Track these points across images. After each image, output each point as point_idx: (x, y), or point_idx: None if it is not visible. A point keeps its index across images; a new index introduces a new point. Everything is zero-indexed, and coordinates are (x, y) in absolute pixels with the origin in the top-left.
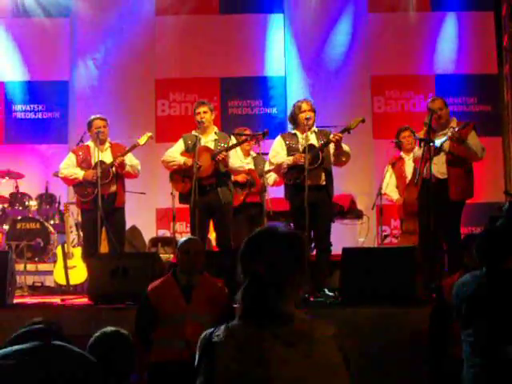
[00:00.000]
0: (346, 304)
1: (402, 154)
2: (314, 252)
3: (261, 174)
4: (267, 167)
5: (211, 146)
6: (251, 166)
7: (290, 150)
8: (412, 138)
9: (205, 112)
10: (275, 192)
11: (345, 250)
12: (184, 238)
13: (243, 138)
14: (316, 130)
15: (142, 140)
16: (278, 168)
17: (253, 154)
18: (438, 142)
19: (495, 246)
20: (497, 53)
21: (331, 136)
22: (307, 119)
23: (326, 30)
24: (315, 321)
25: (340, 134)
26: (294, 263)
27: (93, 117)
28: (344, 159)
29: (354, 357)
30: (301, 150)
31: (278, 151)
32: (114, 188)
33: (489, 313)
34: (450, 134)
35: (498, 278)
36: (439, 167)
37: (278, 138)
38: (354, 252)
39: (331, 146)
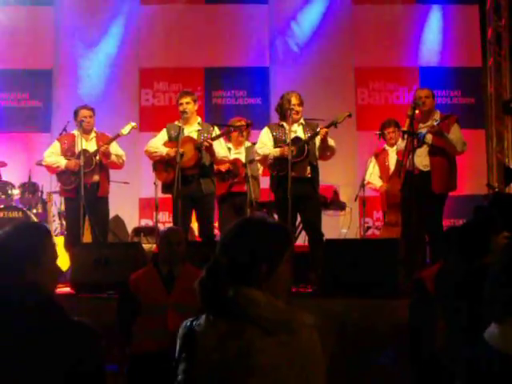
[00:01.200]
0: (327, 295)
1: (385, 146)
2: (307, 243)
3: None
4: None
5: (194, 136)
6: (241, 156)
7: (277, 142)
8: (396, 134)
9: (187, 103)
10: (262, 182)
11: (327, 241)
12: (165, 228)
13: (226, 129)
14: (303, 122)
15: (126, 130)
16: (264, 159)
17: (247, 143)
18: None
19: (470, 242)
20: (481, 46)
21: (318, 130)
22: (294, 112)
23: (309, 21)
24: (295, 310)
25: (326, 129)
26: (258, 253)
27: (79, 106)
28: (329, 153)
29: (334, 348)
30: (287, 141)
31: (264, 142)
32: (96, 177)
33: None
34: (430, 126)
35: (475, 274)
36: (422, 159)
37: (265, 129)
38: (336, 243)
39: (317, 140)
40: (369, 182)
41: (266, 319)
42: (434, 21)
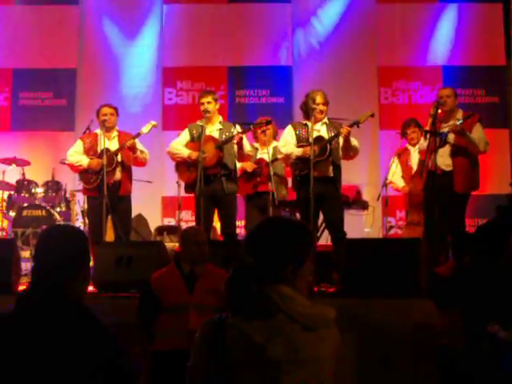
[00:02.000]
0: (349, 295)
1: (407, 145)
2: (330, 242)
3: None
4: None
5: (216, 135)
6: (266, 156)
7: (300, 140)
8: (417, 133)
9: (209, 102)
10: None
11: (349, 240)
12: (189, 228)
13: (247, 127)
14: (327, 121)
15: (146, 128)
16: (286, 158)
17: (275, 143)
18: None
19: (489, 241)
20: (505, 44)
21: (341, 129)
22: (318, 112)
23: (333, 20)
24: (322, 306)
25: (349, 128)
26: (284, 253)
27: (101, 104)
28: (352, 154)
29: (356, 348)
30: (310, 140)
31: (287, 141)
32: (118, 176)
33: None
34: (452, 126)
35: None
36: (444, 159)
37: (289, 128)
38: (358, 243)
39: (341, 139)
40: (391, 182)
41: (302, 314)
42: (458, 19)
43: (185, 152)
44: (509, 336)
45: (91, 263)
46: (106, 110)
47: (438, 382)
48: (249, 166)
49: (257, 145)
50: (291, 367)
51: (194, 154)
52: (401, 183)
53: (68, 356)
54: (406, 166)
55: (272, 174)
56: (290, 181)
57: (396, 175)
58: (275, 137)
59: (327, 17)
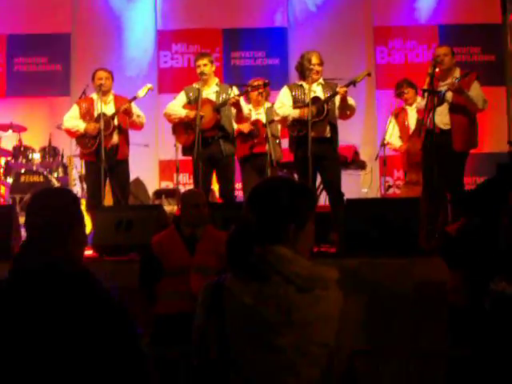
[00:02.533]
0: (349, 255)
1: (404, 105)
2: (327, 202)
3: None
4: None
5: (213, 97)
6: (261, 117)
7: (296, 101)
8: (412, 93)
9: (205, 64)
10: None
11: (348, 201)
12: (188, 191)
13: (244, 89)
14: (322, 82)
15: (142, 92)
16: (283, 120)
17: (268, 104)
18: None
19: (489, 200)
20: (500, 2)
21: (337, 89)
22: (314, 72)
23: None
24: (322, 266)
25: (345, 88)
26: (286, 213)
27: (96, 68)
28: (349, 113)
29: (357, 308)
30: (307, 101)
31: (283, 102)
32: (115, 140)
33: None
34: (450, 84)
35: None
36: (442, 118)
37: (284, 89)
38: (357, 203)
39: (337, 99)
40: (388, 143)
41: (299, 275)
42: None
43: (182, 112)
44: None
45: (90, 228)
46: (101, 73)
47: (442, 339)
48: (245, 127)
49: (249, 106)
50: (285, 329)
51: (192, 114)
52: (398, 143)
53: (64, 320)
54: (403, 126)
55: (270, 135)
56: (283, 142)
57: (393, 135)
58: (267, 98)
59: None
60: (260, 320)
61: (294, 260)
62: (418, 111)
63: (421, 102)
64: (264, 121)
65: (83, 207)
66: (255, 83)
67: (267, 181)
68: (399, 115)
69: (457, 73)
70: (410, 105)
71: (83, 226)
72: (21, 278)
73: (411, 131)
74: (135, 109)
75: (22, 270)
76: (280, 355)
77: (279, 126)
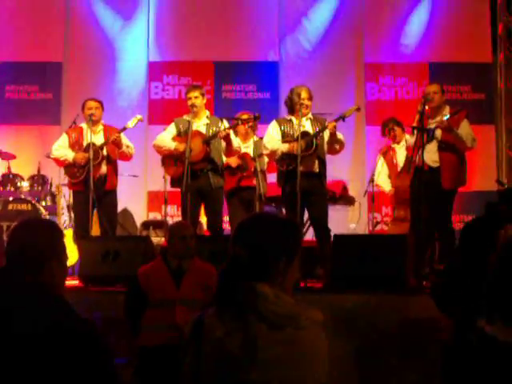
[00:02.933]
0: (335, 291)
1: (391, 143)
2: (314, 238)
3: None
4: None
5: (203, 130)
6: (249, 151)
7: (285, 136)
8: (399, 131)
9: (196, 97)
10: (269, 177)
11: (336, 236)
12: (176, 223)
13: (234, 122)
14: (311, 116)
15: (132, 123)
16: (272, 154)
17: (255, 138)
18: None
19: (476, 239)
20: (491, 41)
21: (327, 124)
22: (304, 106)
23: (320, 15)
24: (304, 306)
25: (334, 123)
26: (278, 248)
27: (87, 98)
28: (338, 147)
29: (343, 344)
30: (296, 136)
31: (272, 136)
32: (103, 170)
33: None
34: (439, 122)
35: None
36: (431, 155)
37: (273, 123)
38: (344, 239)
39: (326, 134)
40: (377, 185)
41: (273, 313)
42: (444, 15)
43: (171, 144)
44: (494, 330)
45: (77, 257)
46: (91, 103)
47: (430, 376)
48: (233, 162)
49: (237, 139)
50: (251, 366)
51: (181, 147)
52: (387, 187)
53: (47, 354)
54: (391, 165)
55: (259, 169)
56: (271, 176)
57: (382, 176)
58: (255, 131)
59: (315, 14)
60: (227, 354)
61: (274, 299)
62: (407, 148)
63: (410, 139)
64: (252, 154)
65: (70, 237)
66: (243, 116)
67: (255, 216)
68: (387, 153)
69: (446, 110)
70: (398, 143)
71: (62, 258)
72: None
73: (400, 169)
74: (124, 139)
75: None
76: None
77: (266, 160)
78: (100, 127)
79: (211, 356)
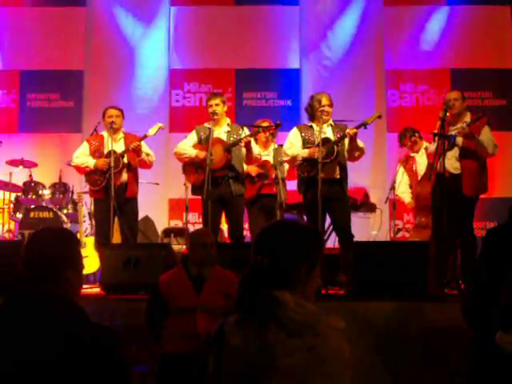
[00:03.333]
0: (357, 298)
1: (410, 153)
2: (336, 245)
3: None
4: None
5: (224, 137)
6: (269, 158)
7: (306, 143)
8: (416, 139)
9: (217, 104)
10: (288, 185)
11: (357, 243)
12: (197, 230)
13: (255, 129)
14: (332, 123)
15: (153, 130)
16: (292, 160)
17: (275, 145)
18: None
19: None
20: None
21: (347, 131)
22: (325, 113)
23: (341, 23)
24: (324, 313)
25: (355, 129)
26: (300, 255)
27: (108, 106)
28: (357, 155)
29: (365, 351)
30: (316, 142)
31: (293, 143)
32: (124, 178)
33: None
34: (461, 129)
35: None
36: (453, 162)
37: (294, 130)
38: (365, 246)
39: (346, 141)
40: (397, 195)
41: (292, 320)
42: (466, 22)
43: (192, 152)
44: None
45: (98, 265)
46: (112, 111)
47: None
48: (253, 170)
49: (257, 146)
50: (269, 373)
51: (202, 154)
52: (407, 198)
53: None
54: (412, 173)
55: (280, 176)
56: (291, 183)
57: (403, 186)
58: (274, 139)
59: (335, 19)
60: (246, 362)
61: (294, 306)
62: (428, 155)
63: (431, 146)
64: (272, 162)
65: (91, 245)
66: (264, 124)
67: (276, 223)
68: (407, 162)
69: (467, 117)
70: (417, 152)
71: (78, 267)
72: (8, 310)
73: (420, 177)
74: (145, 147)
75: (10, 299)
76: None
77: (286, 168)
78: (121, 135)
79: (231, 364)
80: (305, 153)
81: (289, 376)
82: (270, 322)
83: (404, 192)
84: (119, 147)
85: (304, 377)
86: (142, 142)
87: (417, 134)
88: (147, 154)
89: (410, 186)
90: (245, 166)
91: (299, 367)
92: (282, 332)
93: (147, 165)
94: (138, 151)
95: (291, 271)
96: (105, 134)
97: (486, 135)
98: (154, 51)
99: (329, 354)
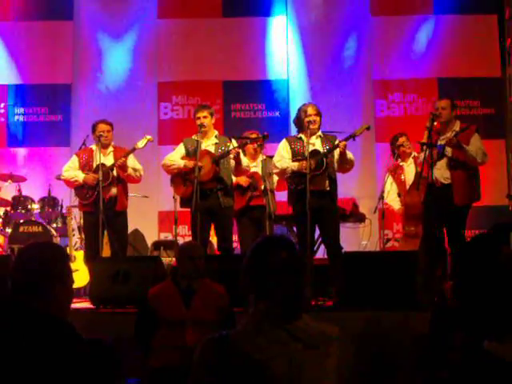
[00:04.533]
0: (346, 308)
1: (399, 161)
2: (326, 255)
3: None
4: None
5: (212, 149)
6: (257, 170)
7: (295, 154)
8: (409, 143)
9: (205, 117)
10: (278, 196)
11: (346, 254)
12: (185, 243)
13: (243, 141)
14: (321, 134)
15: (141, 143)
16: (282, 173)
17: (263, 156)
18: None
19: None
20: (500, 56)
21: (337, 143)
22: (311, 123)
23: (328, 33)
24: (322, 323)
25: (344, 142)
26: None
27: (98, 120)
28: (348, 167)
29: (354, 360)
30: (306, 154)
31: (282, 155)
32: (114, 192)
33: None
34: (448, 140)
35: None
36: (442, 172)
37: (283, 142)
38: (355, 256)
39: (336, 152)
40: (386, 204)
41: (305, 331)
42: (453, 31)
43: (181, 162)
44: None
45: (87, 279)
46: (102, 126)
47: None
48: (243, 181)
49: (245, 158)
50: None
51: (191, 164)
52: (396, 205)
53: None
54: (400, 182)
55: (268, 188)
56: (281, 195)
57: (391, 194)
58: (262, 150)
59: (322, 30)
60: (271, 376)
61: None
62: (418, 164)
63: (420, 155)
64: (260, 173)
65: (80, 259)
66: (252, 135)
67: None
68: (396, 171)
69: (457, 126)
70: (405, 159)
71: (66, 281)
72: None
73: (408, 186)
74: (132, 162)
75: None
76: None
77: (275, 179)
78: (110, 149)
79: (247, 378)
80: (294, 166)
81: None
82: (282, 333)
83: (393, 200)
84: (109, 161)
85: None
86: (131, 156)
87: (401, 139)
88: (134, 170)
89: (399, 195)
90: (234, 178)
91: (319, 376)
92: (299, 344)
93: (135, 180)
94: (123, 167)
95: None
96: (94, 147)
97: (475, 144)
98: (142, 64)
99: (335, 360)
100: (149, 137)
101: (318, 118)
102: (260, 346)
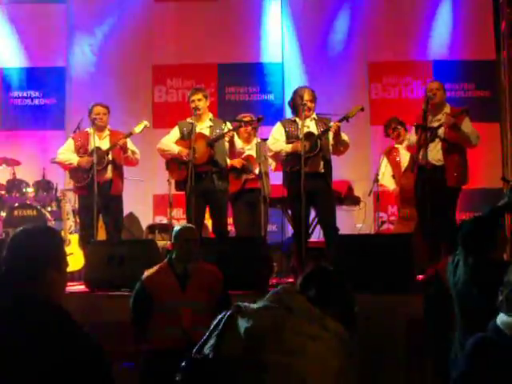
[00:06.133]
0: None
1: (394, 144)
2: (322, 237)
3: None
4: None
5: (206, 132)
6: (252, 152)
7: (290, 137)
8: (402, 130)
9: (199, 100)
10: (273, 179)
11: (340, 236)
12: (180, 226)
13: (237, 124)
14: (316, 117)
15: (138, 128)
16: (276, 155)
17: (257, 139)
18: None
19: (480, 236)
20: (495, 38)
21: (330, 124)
22: (307, 109)
23: (322, 15)
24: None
25: (338, 123)
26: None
27: (94, 103)
28: (342, 148)
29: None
30: (300, 136)
31: (277, 138)
32: (109, 175)
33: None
34: (445, 120)
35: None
36: (435, 154)
37: (278, 125)
38: (349, 238)
39: (330, 134)
40: (381, 185)
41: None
42: (447, 13)
43: (175, 149)
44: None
45: (82, 263)
46: (98, 109)
47: (431, 377)
48: (238, 162)
49: (239, 141)
50: (273, 346)
51: (185, 151)
52: (391, 185)
53: (34, 356)
54: (395, 164)
55: (263, 171)
56: (276, 177)
57: (386, 176)
58: (256, 133)
59: (317, 12)
60: (250, 335)
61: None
62: (408, 147)
63: (410, 137)
64: (255, 156)
65: (75, 242)
66: (246, 118)
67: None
68: (391, 153)
69: (447, 108)
70: (401, 143)
71: (61, 265)
72: None
73: (403, 168)
74: (131, 145)
75: None
76: (264, 374)
77: (271, 162)
78: (106, 132)
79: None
80: (288, 148)
81: (291, 354)
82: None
83: (387, 181)
84: (104, 144)
85: (302, 359)
86: (128, 140)
87: (400, 127)
88: (133, 152)
89: (393, 177)
90: (228, 160)
91: (302, 349)
92: (295, 316)
93: (133, 162)
94: (124, 148)
95: None
96: (90, 130)
97: (468, 126)
98: (136, 47)
99: (329, 348)
100: (146, 122)
101: (313, 104)
102: (252, 314)
